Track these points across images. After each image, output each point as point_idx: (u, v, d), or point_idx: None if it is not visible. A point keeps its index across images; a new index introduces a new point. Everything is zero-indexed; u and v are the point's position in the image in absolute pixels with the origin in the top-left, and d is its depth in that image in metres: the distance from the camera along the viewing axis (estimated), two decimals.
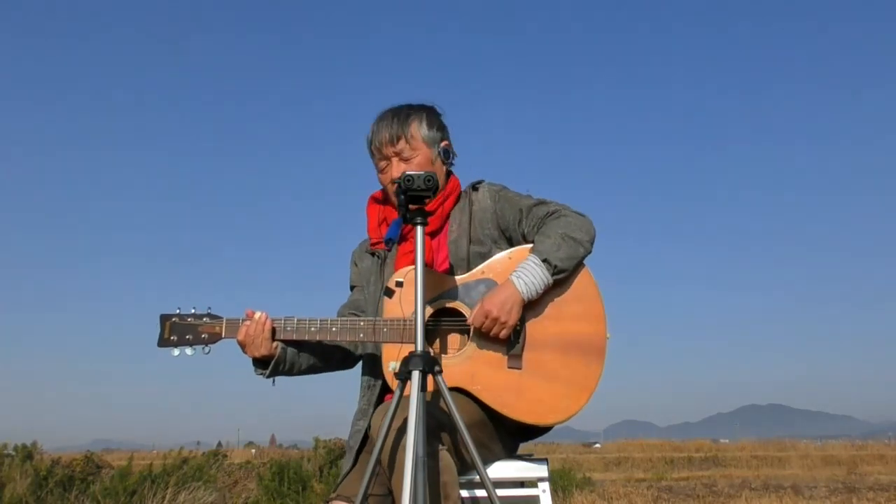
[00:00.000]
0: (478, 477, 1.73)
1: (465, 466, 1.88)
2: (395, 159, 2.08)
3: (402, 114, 2.11)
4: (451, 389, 1.73)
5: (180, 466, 6.78)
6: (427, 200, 1.75)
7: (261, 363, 2.01)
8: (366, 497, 1.68)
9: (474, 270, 2.00)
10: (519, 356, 1.93)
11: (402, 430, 1.69)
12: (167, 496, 5.99)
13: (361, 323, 1.97)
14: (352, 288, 2.27)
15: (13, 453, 6.74)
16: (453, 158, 2.19)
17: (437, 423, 1.76)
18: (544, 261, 1.92)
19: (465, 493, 1.88)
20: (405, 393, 1.69)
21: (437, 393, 1.73)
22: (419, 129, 2.09)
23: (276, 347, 1.99)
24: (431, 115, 2.14)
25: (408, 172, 1.71)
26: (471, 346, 1.94)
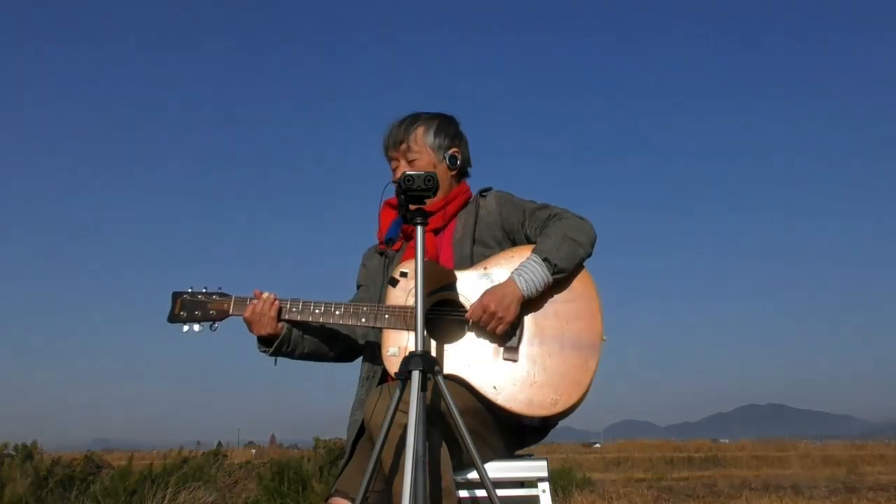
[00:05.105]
0: (477, 476, 1.74)
1: (462, 464, 1.89)
2: (402, 160, 2.19)
3: (408, 120, 2.22)
4: (446, 377, 1.77)
5: (180, 466, 6.78)
6: (427, 200, 1.79)
7: (265, 342, 2.07)
8: (366, 496, 1.69)
9: (476, 265, 2.06)
10: (515, 349, 1.97)
11: (402, 429, 1.69)
12: (167, 496, 5.99)
13: (364, 308, 2.02)
14: (358, 287, 2.32)
15: (13, 453, 6.75)
16: (466, 167, 2.27)
17: (431, 407, 1.78)
18: (545, 260, 1.97)
19: (465, 494, 1.88)
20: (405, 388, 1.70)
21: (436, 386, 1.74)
22: (424, 136, 2.19)
23: (281, 328, 2.05)
24: (442, 123, 2.22)
25: (407, 172, 1.76)
26: (468, 337, 1.99)
